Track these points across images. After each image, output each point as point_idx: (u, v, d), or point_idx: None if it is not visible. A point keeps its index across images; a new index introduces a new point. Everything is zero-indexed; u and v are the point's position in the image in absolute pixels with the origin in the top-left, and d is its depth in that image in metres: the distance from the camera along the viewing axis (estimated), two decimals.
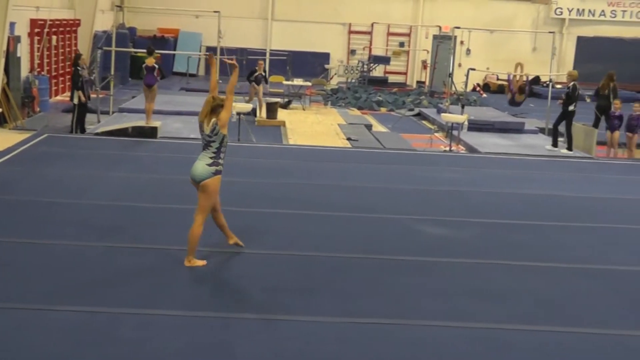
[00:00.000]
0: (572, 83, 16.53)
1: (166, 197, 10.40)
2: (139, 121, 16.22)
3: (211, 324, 6.14)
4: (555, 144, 16.82)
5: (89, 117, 16.78)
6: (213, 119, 7.50)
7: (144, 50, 17.16)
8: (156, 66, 16.13)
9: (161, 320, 6.14)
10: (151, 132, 15.45)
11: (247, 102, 20.12)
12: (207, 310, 6.39)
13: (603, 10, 34.06)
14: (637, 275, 8.08)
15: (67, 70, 22.52)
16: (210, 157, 7.52)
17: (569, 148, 16.65)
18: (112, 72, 19.04)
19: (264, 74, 21.13)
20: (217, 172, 7.48)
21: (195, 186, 7.59)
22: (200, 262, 7.52)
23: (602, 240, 9.45)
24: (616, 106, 16.82)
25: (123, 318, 6.13)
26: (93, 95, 17.18)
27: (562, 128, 16.79)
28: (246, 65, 27.13)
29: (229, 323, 6.16)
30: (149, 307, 6.37)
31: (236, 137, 16.03)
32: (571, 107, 16.31)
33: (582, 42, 33.93)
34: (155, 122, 16.15)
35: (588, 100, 19.68)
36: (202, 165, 7.51)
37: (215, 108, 7.51)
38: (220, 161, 7.54)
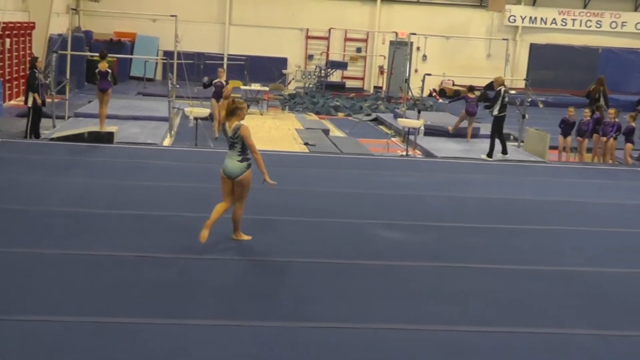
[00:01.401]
0: (498, 88, 16.61)
1: (122, 203, 10.33)
2: (95, 126, 16.09)
3: (167, 330, 6.12)
4: (504, 151, 16.75)
5: (44, 122, 16.60)
6: (235, 123, 8.30)
7: (98, 54, 17.02)
8: (109, 71, 16.01)
9: (116, 328, 6.09)
10: (107, 137, 15.33)
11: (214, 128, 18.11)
12: (162, 317, 6.37)
13: (554, 19, 34.66)
14: (588, 275, 8.25)
15: (22, 74, 22.26)
16: (239, 154, 8.32)
17: (504, 152, 16.68)
18: (68, 76, 18.88)
19: (224, 83, 17.76)
20: (248, 166, 8.34)
21: (226, 181, 8.43)
22: (247, 237, 8.63)
23: (555, 242, 9.62)
24: (610, 115, 17.03)
25: (77, 326, 6.08)
26: (48, 100, 17.00)
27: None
28: (204, 71, 27.13)
29: (184, 329, 6.14)
30: (104, 315, 6.32)
31: (193, 142, 16.01)
32: (495, 112, 16.44)
33: (534, 49, 34.52)
34: (112, 127, 16.04)
35: (541, 105, 19.99)
36: (234, 162, 8.33)
37: (233, 111, 8.30)
38: (248, 156, 8.36)
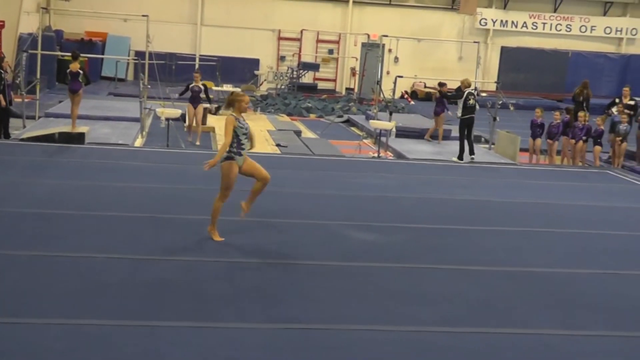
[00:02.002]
0: (463, 90, 16.51)
1: (93, 204, 10.27)
2: (66, 126, 15.99)
3: (138, 332, 6.09)
4: (470, 152, 16.56)
5: (15, 122, 16.46)
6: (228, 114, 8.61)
7: (70, 55, 16.92)
8: (80, 71, 15.91)
9: (86, 330, 6.05)
10: (78, 137, 15.23)
11: (186, 129, 17.90)
12: (133, 319, 6.34)
13: (525, 22, 35.03)
14: (556, 276, 8.34)
15: None
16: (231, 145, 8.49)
17: (460, 157, 16.53)
18: (38, 76, 18.73)
19: (201, 87, 17.33)
20: (226, 158, 8.44)
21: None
22: (218, 238, 8.69)
23: (524, 244, 9.71)
24: (580, 118, 17.18)
25: (47, 328, 6.04)
26: (18, 100, 16.85)
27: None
28: (175, 71, 27.03)
29: (155, 331, 6.12)
30: (74, 317, 6.28)
31: (165, 143, 15.97)
32: (459, 114, 16.50)
33: (505, 52, 34.84)
34: (83, 128, 15.94)
35: (512, 108, 20.18)
36: None
37: (230, 102, 8.61)
38: (234, 149, 8.44)
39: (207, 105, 18.02)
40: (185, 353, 5.74)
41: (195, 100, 17.22)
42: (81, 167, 12.98)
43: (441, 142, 19.09)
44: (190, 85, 17.43)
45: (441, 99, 19.18)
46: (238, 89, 24.47)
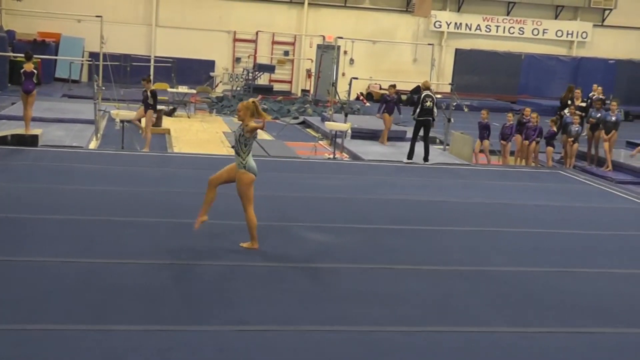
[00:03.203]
0: (422, 92, 16.45)
1: (47, 208, 10.16)
2: (19, 129, 15.76)
3: (93, 336, 6.05)
4: (425, 158, 16.40)
5: None
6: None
7: (24, 55, 16.70)
8: (35, 72, 15.72)
9: (40, 335, 6.00)
10: (31, 140, 15.04)
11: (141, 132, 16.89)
12: (87, 323, 6.29)
13: (479, 25, 35.42)
14: (510, 275, 8.47)
15: None
16: None
17: (409, 157, 16.39)
18: None
19: (148, 93, 16.39)
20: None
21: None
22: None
23: (478, 243, 9.83)
24: (532, 119, 17.42)
25: (0, 335, 5.98)
26: None
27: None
28: (130, 73, 26.84)
29: (111, 335, 6.09)
30: (27, 322, 6.22)
31: (120, 145, 15.85)
32: (414, 115, 16.49)
33: (459, 54, 35.20)
34: (36, 130, 15.74)
35: (466, 110, 20.42)
36: None
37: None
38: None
39: (163, 107, 17.88)
40: (140, 357, 5.71)
41: (145, 105, 16.53)
42: (35, 170, 12.82)
43: (387, 143, 19.17)
44: (142, 90, 16.79)
45: (394, 98, 19.38)
46: (193, 91, 24.41)
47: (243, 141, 8.51)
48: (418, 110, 16.27)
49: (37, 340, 5.90)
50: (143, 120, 16.71)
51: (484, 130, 17.53)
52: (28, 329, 6.10)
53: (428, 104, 16.18)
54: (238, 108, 8.65)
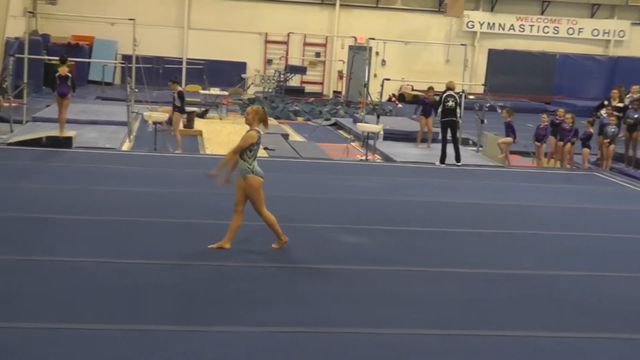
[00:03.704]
0: (445, 92, 16.20)
1: (81, 208, 10.23)
2: (53, 131, 15.93)
3: (124, 335, 6.07)
4: (456, 159, 16.11)
5: (2, 127, 16.40)
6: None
7: (58, 59, 16.85)
8: (69, 75, 15.86)
9: (74, 334, 6.03)
10: (66, 142, 15.19)
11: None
12: (119, 323, 6.31)
13: (512, 25, 35.11)
14: (543, 278, 8.36)
15: None
16: None
17: (441, 161, 16.13)
18: (25, 80, 18.64)
19: (175, 95, 16.25)
20: (250, 172, 8.67)
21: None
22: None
23: (510, 246, 9.74)
24: (568, 121, 17.22)
25: (34, 333, 6.01)
26: (5, 104, 16.76)
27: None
28: (162, 75, 26.98)
29: (142, 335, 6.10)
30: (61, 322, 6.25)
31: (152, 147, 15.92)
32: (437, 117, 16.27)
33: (493, 54, 34.88)
34: (70, 132, 15.89)
35: (499, 110, 20.23)
36: None
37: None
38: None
39: (195, 109, 17.92)
40: (170, 357, 5.71)
41: (173, 107, 16.47)
42: (68, 172, 12.93)
43: (431, 145, 18.99)
44: (173, 92, 16.55)
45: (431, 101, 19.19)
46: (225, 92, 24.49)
47: (248, 147, 8.50)
48: (440, 110, 16.09)
49: (69, 339, 5.92)
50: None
51: (508, 129, 17.37)
52: (62, 327, 6.13)
53: (450, 103, 15.93)
54: (247, 111, 8.70)
